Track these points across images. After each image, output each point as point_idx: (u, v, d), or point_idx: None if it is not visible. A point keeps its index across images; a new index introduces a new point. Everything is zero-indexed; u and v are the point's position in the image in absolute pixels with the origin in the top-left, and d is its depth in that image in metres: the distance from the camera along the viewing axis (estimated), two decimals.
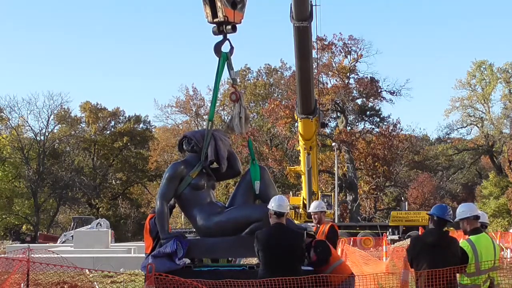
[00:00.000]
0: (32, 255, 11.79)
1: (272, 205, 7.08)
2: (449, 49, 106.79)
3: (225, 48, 8.73)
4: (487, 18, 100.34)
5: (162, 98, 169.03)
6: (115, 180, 69.65)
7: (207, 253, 8.13)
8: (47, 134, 61.77)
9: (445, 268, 6.60)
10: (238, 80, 9.04)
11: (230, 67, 8.68)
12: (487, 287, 6.87)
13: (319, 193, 37.42)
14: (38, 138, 61.12)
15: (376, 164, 54.80)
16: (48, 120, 61.51)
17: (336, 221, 38.32)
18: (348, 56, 57.22)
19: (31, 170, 59.23)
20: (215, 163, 8.43)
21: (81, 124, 69.16)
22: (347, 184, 54.84)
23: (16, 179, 60.84)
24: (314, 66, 31.27)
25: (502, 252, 20.45)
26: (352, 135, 54.98)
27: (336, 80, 57.04)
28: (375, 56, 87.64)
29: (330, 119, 57.66)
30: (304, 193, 34.79)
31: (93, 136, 67.56)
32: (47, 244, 35.98)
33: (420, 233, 17.65)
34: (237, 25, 8.67)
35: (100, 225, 37.68)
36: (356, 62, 57.29)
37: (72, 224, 48.95)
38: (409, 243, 7.57)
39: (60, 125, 65.57)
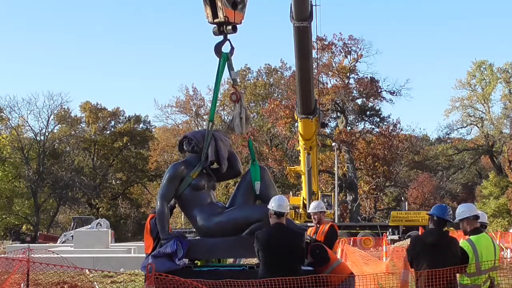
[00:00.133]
0: (32, 255, 11.79)
1: (272, 205, 7.08)
2: (449, 49, 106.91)
3: (226, 48, 8.74)
4: (487, 18, 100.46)
5: (162, 98, 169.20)
6: (115, 180, 69.65)
7: (207, 254, 8.14)
8: (47, 134, 61.84)
9: (445, 268, 6.60)
10: (238, 80, 9.05)
11: (230, 68, 8.68)
12: (488, 287, 6.88)
13: (319, 193, 37.43)
14: (38, 138, 61.18)
15: (376, 164, 54.80)
16: (48, 120, 61.62)
17: (336, 221, 38.31)
18: (348, 56, 57.28)
19: (31, 170, 59.23)
20: (215, 163, 8.43)
21: (81, 124, 69.19)
22: (347, 184, 54.84)
23: (16, 179, 60.84)
24: (314, 66, 31.27)
25: (502, 252, 20.46)
26: (352, 135, 54.98)
27: (336, 80, 57.07)
28: (375, 56, 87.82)
29: (330, 119, 57.68)
30: (304, 193, 34.80)
31: (93, 136, 67.56)
32: (47, 244, 35.98)
33: (420, 233, 17.64)
34: (237, 26, 8.67)
35: (100, 225, 37.68)
36: (356, 62, 57.34)
37: (72, 224, 48.95)
38: (409, 243, 7.57)
39: (60, 125, 65.58)
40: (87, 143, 67.03)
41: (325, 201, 38.61)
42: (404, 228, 38.03)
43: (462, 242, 7.13)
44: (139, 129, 71.08)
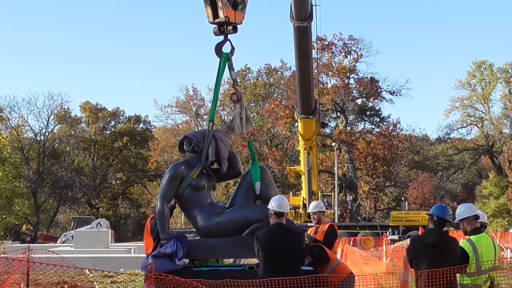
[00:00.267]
0: (32, 255, 11.78)
1: (272, 205, 7.09)
2: (449, 49, 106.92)
3: (226, 48, 8.74)
4: (487, 18, 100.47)
5: (162, 98, 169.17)
6: (115, 180, 69.64)
7: (208, 254, 8.15)
8: (47, 134, 61.84)
9: (445, 268, 6.60)
10: (238, 80, 9.06)
11: (231, 68, 8.69)
12: (488, 287, 6.88)
13: (319, 193, 37.43)
14: (38, 138, 61.17)
15: (376, 164, 54.81)
16: (48, 120, 61.61)
17: (336, 221, 38.32)
18: (348, 56, 57.29)
19: (31, 170, 59.23)
20: (215, 163, 8.44)
21: (81, 124, 69.17)
22: (347, 184, 54.85)
23: (16, 179, 60.83)
24: (314, 66, 31.28)
25: (502, 252, 20.46)
26: (352, 135, 54.99)
27: (336, 80, 57.08)
28: (375, 56, 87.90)
29: (330, 119, 57.69)
30: (304, 193, 34.80)
31: (93, 136, 67.55)
32: (47, 244, 35.98)
33: (420, 233, 17.65)
34: (238, 26, 8.67)
35: (100, 225, 37.67)
36: (356, 62, 57.35)
37: (72, 224, 48.94)
38: (409, 243, 7.58)
39: (60, 125, 65.58)
40: (87, 143, 67.03)
41: (325, 201, 38.64)
42: (404, 228, 38.04)
43: (463, 242, 7.14)
44: (139, 129, 71.07)
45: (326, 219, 10.08)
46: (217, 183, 8.83)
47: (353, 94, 56.98)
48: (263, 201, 8.11)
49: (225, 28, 8.65)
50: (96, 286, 14.17)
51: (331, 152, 52.85)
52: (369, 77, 56.81)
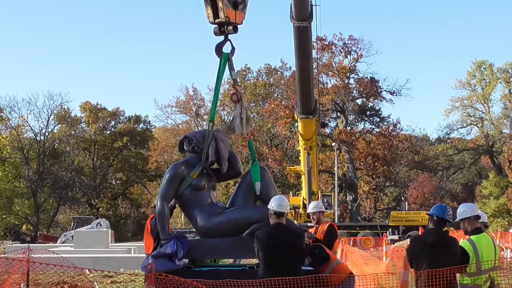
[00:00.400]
0: (32, 255, 11.78)
1: (272, 205, 7.08)
2: (449, 49, 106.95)
3: (227, 48, 8.73)
4: (487, 18, 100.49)
5: (162, 98, 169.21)
6: (115, 180, 69.64)
7: (208, 254, 8.15)
8: (47, 134, 61.83)
9: (445, 268, 6.61)
10: (238, 80, 9.06)
11: (231, 68, 8.68)
12: (488, 287, 6.88)
13: (319, 193, 37.42)
14: (38, 138, 61.17)
15: (376, 164, 54.81)
16: (48, 120, 61.62)
17: (336, 221, 38.31)
18: (348, 56, 57.29)
19: (31, 170, 59.22)
20: (215, 163, 8.44)
21: (81, 124, 69.18)
22: (347, 184, 54.85)
23: (16, 179, 60.83)
24: (314, 66, 31.27)
25: (502, 252, 20.46)
26: (352, 135, 54.99)
27: (336, 80, 57.08)
28: (375, 56, 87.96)
29: (330, 119, 57.69)
30: (304, 193, 34.79)
31: (93, 136, 67.55)
32: (47, 244, 35.98)
33: (420, 233, 17.65)
34: (238, 26, 8.67)
35: (100, 225, 37.67)
36: (356, 62, 57.35)
37: (72, 224, 48.94)
38: (409, 243, 7.58)
39: (60, 125, 65.59)
40: (87, 143, 67.02)
41: (325, 201, 38.65)
42: (404, 228, 38.04)
43: (463, 241, 7.14)
44: (139, 129, 71.06)
45: (326, 219, 10.10)
46: (217, 183, 8.83)
47: (353, 94, 56.99)
48: (263, 201, 8.11)
49: (225, 28, 8.64)
50: (96, 286, 14.18)
51: (331, 152, 52.86)
52: (369, 77, 56.85)
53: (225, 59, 8.64)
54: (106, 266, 16.75)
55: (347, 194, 55.51)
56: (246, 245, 7.58)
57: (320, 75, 53.11)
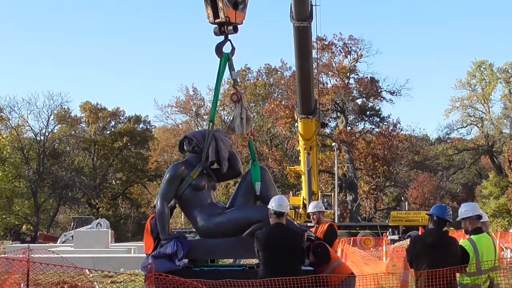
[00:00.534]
0: (32, 255, 11.77)
1: (272, 205, 7.08)
2: (449, 49, 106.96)
3: (227, 48, 8.73)
4: (487, 18, 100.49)
5: (162, 98, 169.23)
6: (115, 180, 69.64)
7: (208, 254, 8.15)
8: (47, 134, 61.82)
9: (445, 268, 6.61)
10: (238, 80, 9.05)
11: (231, 68, 8.68)
12: (487, 287, 6.88)
13: (319, 193, 37.43)
14: (38, 138, 61.16)
15: (376, 164, 54.81)
16: (48, 120, 61.60)
17: (336, 221, 38.30)
18: (348, 56, 57.29)
19: (31, 170, 59.22)
20: (216, 163, 8.44)
21: (81, 124, 69.17)
22: (347, 184, 54.85)
23: (16, 179, 60.83)
24: (314, 66, 31.28)
25: (502, 252, 20.45)
26: (352, 135, 55.00)
27: (336, 80, 57.08)
28: (375, 56, 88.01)
29: (330, 119, 57.69)
30: (304, 193, 34.80)
31: (93, 136, 67.54)
32: (47, 244, 35.98)
33: (420, 233, 17.65)
34: (238, 26, 8.67)
35: (100, 225, 37.68)
36: (356, 62, 57.35)
37: (72, 224, 48.95)
38: (409, 243, 7.58)
39: (60, 125, 65.58)
40: (87, 143, 67.02)
41: (325, 201, 38.65)
42: (404, 228, 38.04)
43: (463, 241, 7.14)
44: (139, 129, 71.05)
45: (326, 219, 10.12)
46: (217, 183, 8.83)
47: (353, 94, 56.99)
48: (263, 201, 8.10)
49: (225, 28, 8.64)
50: (96, 286, 14.18)
51: (331, 152, 52.85)
52: (369, 77, 56.86)
53: (225, 59, 8.64)
54: (106, 266, 16.75)
55: (347, 194, 55.51)
56: (246, 245, 7.58)
57: (320, 75, 53.12)
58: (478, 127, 62.81)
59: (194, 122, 64.28)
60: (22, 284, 11.04)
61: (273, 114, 54.50)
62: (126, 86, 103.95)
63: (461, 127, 64.18)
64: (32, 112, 63.50)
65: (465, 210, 7.16)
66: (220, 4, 8.41)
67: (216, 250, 8.02)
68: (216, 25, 8.70)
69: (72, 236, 34.38)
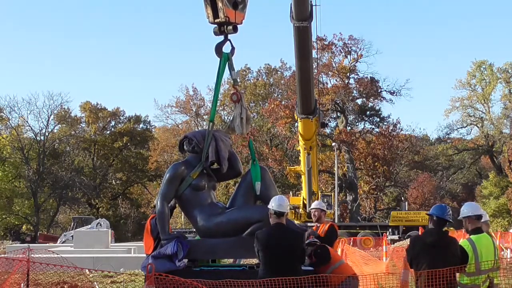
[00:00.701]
0: (32, 255, 11.77)
1: (272, 205, 7.09)
2: (449, 49, 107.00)
3: (226, 48, 8.73)
4: (487, 18, 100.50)
5: (162, 98, 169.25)
6: (115, 180, 69.64)
7: (208, 254, 8.15)
8: (47, 134, 61.80)
9: (445, 268, 6.60)
10: (238, 80, 9.05)
11: (231, 68, 8.68)
12: (487, 287, 6.88)
13: (319, 193, 37.43)
14: (38, 138, 61.14)
15: (376, 164, 54.81)
16: (48, 120, 61.58)
17: (336, 221, 38.30)
18: (348, 56, 57.28)
19: (31, 170, 59.21)
20: (216, 163, 8.43)
21: (81, 124, 69.16)
22: (347, 184, 54.84)
23: (16, 179, 60.82)
24: (314, 66, 31.27)
25: (502, 252, 20.46)
26: (352, 135, 54.99)
27: (336, 80, 57.07)
28: (375, 56, 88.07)
29: (330, 119, 57.68)
30: (304, 193, 34.80)
31: (93, 136, 67.54)
32: (47, 244, 35.97)
33: (420, 233, 17.65)
34: (238, 26, 8.67)
35: (100, 225, 37.68)
36: (356, 62, 57.34)
37: (72, 224, 48.94)
38: (409, 243, 7.58)
39: (60, 125, 65.58)
40: (87, 143, 67.02)
41: (325, 201, 38.57)
42: (404, 228, 38.04)
43: (463, 241, 7.14)
44: (139, 129, 71.05)
45: (326, 219, 10.18)
46: (217, 183, 8.83)
47: (353, 94, 56.99)
48: (263, 201, 8.10)
49: (225, 28, 8.64)
50: (96, 286, 14.18)
51: (331, 152, 52.85)
52: (369, 77, 56.84)
53: (225, 59, 8.64)
54: (106, 266, 16.75)
55: (347, 194, 55.51)
56: (246, 245, 7.58)
57: (320, 75, 53.12)
58: (478, 127, 62.83)
59: (194, 122, 64.28)
60: (22, 284, 11.04)
61: (273, 114, 54.50)
62: (126, 86, 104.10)
63: (461, 127, 64.26)
64: (32, 112, 63.62)
65: (465, 210, 7.17)
66: (220, 4, 8.41)
67: (216, 250, 8.02)
68: (215, 25, 8.70)
69: (72, 236, 34.37)
